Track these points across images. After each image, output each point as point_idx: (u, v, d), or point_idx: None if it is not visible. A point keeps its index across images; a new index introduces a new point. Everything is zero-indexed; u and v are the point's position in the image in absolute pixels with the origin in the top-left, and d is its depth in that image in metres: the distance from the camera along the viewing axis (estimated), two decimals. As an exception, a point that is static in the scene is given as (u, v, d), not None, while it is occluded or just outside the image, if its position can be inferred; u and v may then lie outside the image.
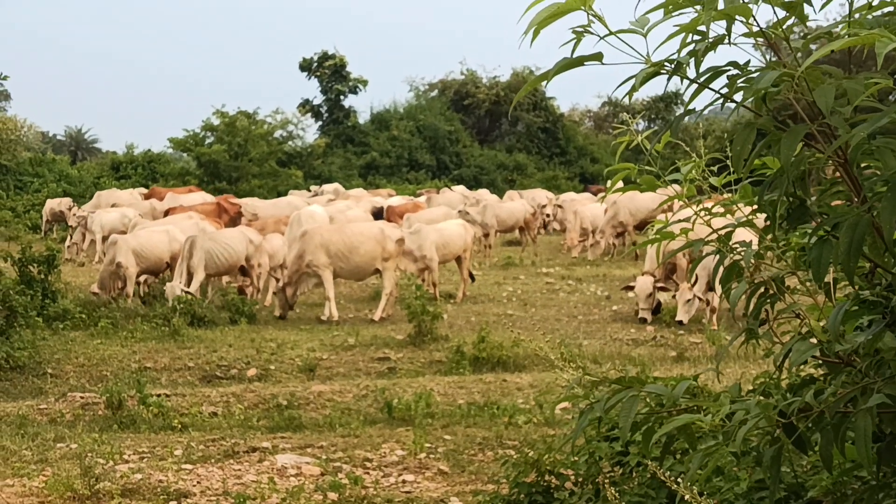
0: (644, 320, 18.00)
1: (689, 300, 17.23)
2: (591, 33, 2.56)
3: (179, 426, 11.49)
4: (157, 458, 9.88)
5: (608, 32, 2.54)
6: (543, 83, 2.71)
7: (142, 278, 21.52)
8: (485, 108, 63.02)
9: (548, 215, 36.07)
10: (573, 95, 70.84)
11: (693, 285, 17.10)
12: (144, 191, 38.84)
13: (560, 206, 35.62)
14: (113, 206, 32.56)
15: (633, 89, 2.60)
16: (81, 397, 12.99)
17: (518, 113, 62.27)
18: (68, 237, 31.45)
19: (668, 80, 2.60)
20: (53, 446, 10.38)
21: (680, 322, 17.34)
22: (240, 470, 9.46)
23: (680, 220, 3.32)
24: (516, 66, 64.62)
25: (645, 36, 2.53)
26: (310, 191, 39.57)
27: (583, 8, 2.51)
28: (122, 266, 20.41)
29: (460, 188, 40.93)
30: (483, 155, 59.46)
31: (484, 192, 40.82)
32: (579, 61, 2.60)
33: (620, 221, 28.22)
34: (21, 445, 10.34)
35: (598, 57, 2.58)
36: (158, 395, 12.54)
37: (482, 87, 63.60)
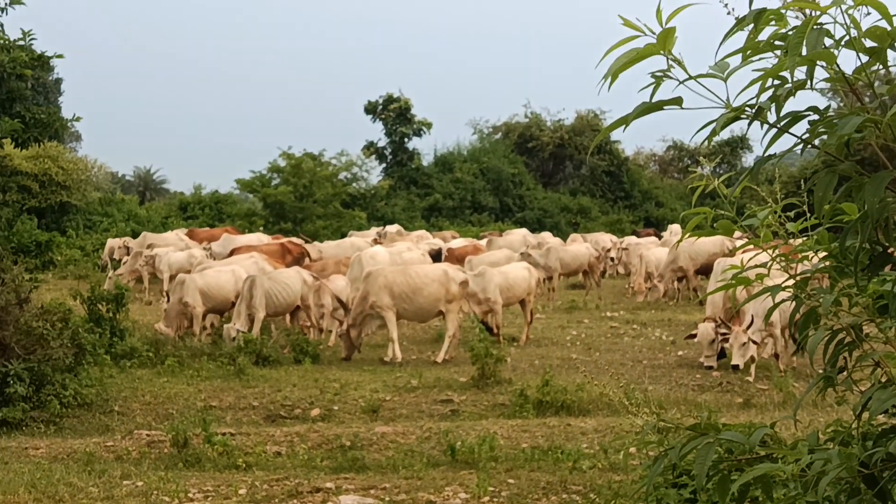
0: (710, 367, 17.69)
1: (743, 343, 16.92)
2: (671, 78, 2.56)
3: (244, 465, 11.54)
4: (222, 496, 9.92)
5: (688, 77, 2.53)
6: (621, 127, 2.71)
7: (207, 318, 21.77)
8: (549, 151, 62.99)
9: (611, 259, 35.87)
10: (638, 139, 70.51)
11: (747, 328, 16.82)
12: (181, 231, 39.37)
13: (625, 250, 35.44)
14: (149, 246, 32.84)
15: (714, 133, 2.58)
16: (148, 435, 13.11)
17: (582, 156, 62.20)
18: (113, 270, 31.74)
19: (749, 124, 2.59)
20: (120, 483, 10.46)
21: (735, 367, 16.99)
22: (303, 510, 9.47)
23: (756, 266, 3.29)
24: (580, 110, 64.71)
25: (725, 80, 2.52)
26: (382, 234, 39.41)
27: (662, 52, 2.51)
28: (189, 305, 20.66)
29: (522, 231, 40.79)
30: (547, 198, 59.38)
31: (546, 235, 40.72)
32: (658, 105, 2.59)
33: (680, 266, 27.95)
34: (88, 482, 10.44)
35: (677, 101, 2.57)
36: (223, 434, 12.61)
37: (546, 129, 63.61)
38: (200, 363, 17.96)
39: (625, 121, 2.67)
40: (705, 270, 27.17)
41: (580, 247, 31.59)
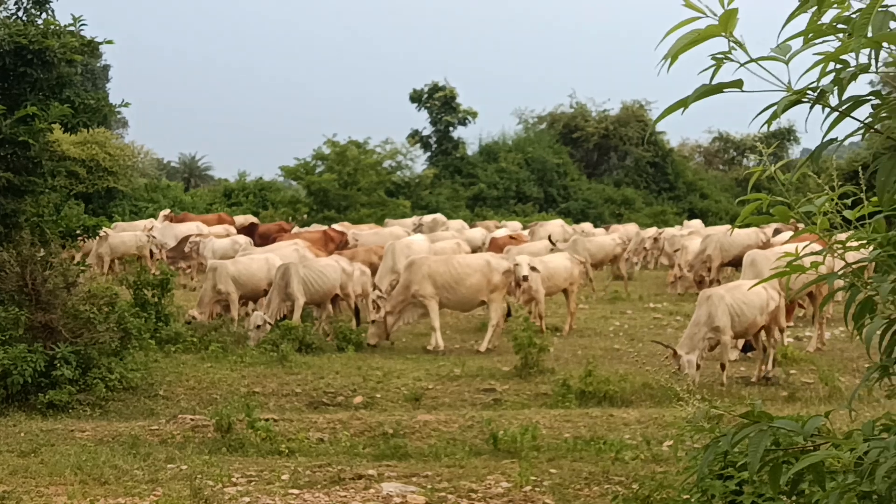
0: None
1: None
2: (732, 60, 2.52)
3: (287, 451, 11.59)
4: (265, 482, 9.95)
5: (749, 59, 2.50)
6: (680, 110, 2.67)
7: (250, 305, 21.90)
8: (593, 142, 62.91)
9: (645, 248, 35.69)
10: (683, 130, 70.14)
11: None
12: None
13: (655, 240, 35.33)
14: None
15: (774, 116, 2.54)
16: (192, 419, 13.19)
17: (627, 147, 62.07)
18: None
19: (811, 108, 2.55)
20: (164, 467, 10.53)
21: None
22: (346, 497, 9.48)
23: (813, 253, 3.24)
24: (626, 100, 64.61)
25: (787, 63, 2.48)
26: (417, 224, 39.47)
27: (723, 34, 2.47)
28: (223, 291, 20.81)
29: (558, 221, 40.68)
30: (591, 188, 59.29)
31: (587, 226, 40.67)
32: (718, 88, 2.56)
33: (709, 255, 27.52)
34: (133, 465, 10.52)
35: (738, 84, 2.54)
36: (266, 420, 12.66)
37: (591, 120, 63.53)
38: (244, 349, 18.06)
39: (684, 103, 2.63)
40: (736, 262, 26.51)
41: (605, 238, 31.32)
